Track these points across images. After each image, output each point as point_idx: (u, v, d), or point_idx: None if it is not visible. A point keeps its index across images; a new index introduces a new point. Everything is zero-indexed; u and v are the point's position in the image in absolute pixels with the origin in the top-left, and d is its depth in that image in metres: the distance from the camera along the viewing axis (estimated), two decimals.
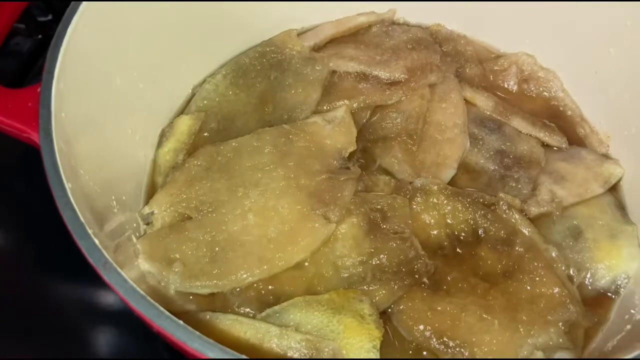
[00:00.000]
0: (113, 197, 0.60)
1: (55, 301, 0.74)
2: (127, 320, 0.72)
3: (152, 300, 0.39)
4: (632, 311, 0.57)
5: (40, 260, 0.78)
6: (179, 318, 0.57)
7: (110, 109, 0.63)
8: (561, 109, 0.76)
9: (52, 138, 0.45)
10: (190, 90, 0.78)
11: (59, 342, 0.72)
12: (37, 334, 0.72)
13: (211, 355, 0.36)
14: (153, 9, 0.68)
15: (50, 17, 1.04)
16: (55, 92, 0.50)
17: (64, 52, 0.53)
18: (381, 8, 0.84)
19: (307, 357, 0.55)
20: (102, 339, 0.72)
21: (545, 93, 0.77)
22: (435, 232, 0.65)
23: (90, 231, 0.42)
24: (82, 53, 0.56)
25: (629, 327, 0.54)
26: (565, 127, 0.75)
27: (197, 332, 0.38)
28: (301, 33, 0.82)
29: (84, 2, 0.57)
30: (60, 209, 0.42)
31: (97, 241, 0.41)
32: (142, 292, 0.39)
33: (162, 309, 0.38)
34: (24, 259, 0.79)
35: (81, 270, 0.43)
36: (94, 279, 0.42)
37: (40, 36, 1.03)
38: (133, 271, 0.58)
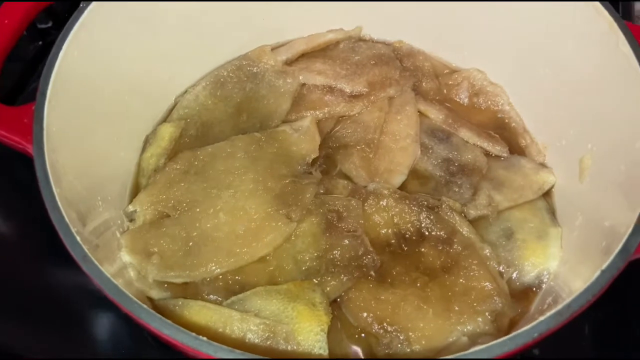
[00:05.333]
0: (99, 198, 0.68)
1: (58, 287, 0.80)
2: None
3: (122, 288, 0.47)
4: (546, 303, 0.65)
5: (43, 247, 0.83)
6: (155, 304, 0.67)
7: (98, 120, 0.71)
8: (506, 120, 0.84)
9: (44, 151, 0.54)
10: (173, 100, 0.86)
11: (60, 327, 0.78)
12: (39, 319, 0.78)
13: (167, 333, 0.45)
14: (140, 29, 0.76)
15: (50, 24, 1.13)
16: (48, 110, 0.58)
17: (56, 74, 0.61)
18: (349, 25, 0.92)
19: (264, 338, 0.64)
20: (103, 324, 0.78)
21: (493, 106, 0.85)
22: (384, 231, 0.74)
23: (73, 230, 0.50)
24: (73, 74, 0.64)
25: (537, 315, 0.62)
26: (510, 138, 0.83)
27: (158, 315, 0.46)
28: (275, 48, 0.90)
29: (74, 27, 0.65)
30: (48, 211, 0.51)
31: (78, 238, 0.50)
32: (114, 281, 0.48)
33: (129, 294, 0.47)
34: (28, 245, 0.85)
35: None
36: None
37: (40, 42, 1.11)
38: (116, 263, 0.67)
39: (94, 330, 0.78)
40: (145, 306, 0.47)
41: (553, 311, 0.46)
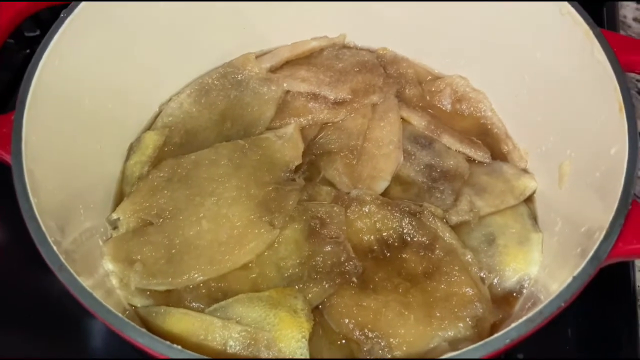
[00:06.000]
0: (81, 206, 0.68)
1: (53, 294, 0.78)
2: None
3: (97, 297, 0.48)
4: (526, 308, 0.66)
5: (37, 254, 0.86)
6: (137, 312, 0.67)
7: (80, 128, 0.71)
8: (489, 126, 0.85)
9: (22, 161, 0.54)
10: (158, 108, 0.86)
11: (56, 334, 0.78)
12: (35, 326, 0.78)
13: (141, 341, 0.45)
14: (122, 38, 0.76)
15: (38, 32, 1.13)
16: (27, 119, 0.58)
17: (36, 83, 0.61)
18: (333, 32, 0.92)
19: (246, 345, 0.64)
20: (97, 328, 0.78)
21: (475, 112, 0.85)
22: (366, 237, 0.74)
23: (50, 239, 0.51)
24: (54, 83, 0.65)
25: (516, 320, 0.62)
26: (492, 144, 0.84)
27: (132, 323, 0.47)
28: (259, 55, 0.90)
29: (55, 37, 0.66)
30: (25, 220, 0.51)
31: (55, 248, 0.50)
32: (90, 290, 0.48)
33: (104, 303, 0.47)
34: (22, 250, 0.85)
35: None
36: None
37: (28, 50, 1.12)
38: (98, 271, 0.67)
39: (88, 334, 0.78)
40: (120, 315, 0.47)
41: (524, 318, 0.46)
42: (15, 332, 0.79)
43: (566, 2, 0.67)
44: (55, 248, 0.50)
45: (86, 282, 0.51)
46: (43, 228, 0.51)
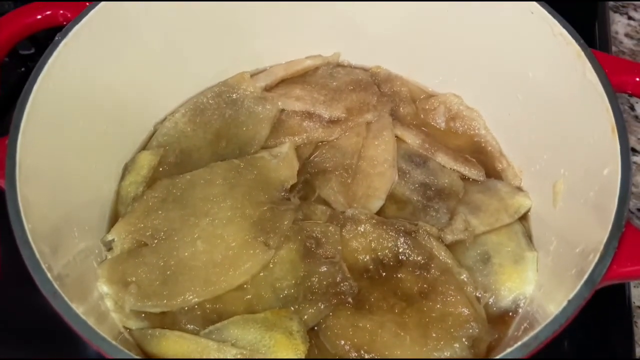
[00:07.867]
0: (75, 228, 0.68)
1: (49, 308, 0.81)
2: None
3: (90, 324, 0.47)
4: (522, 328, 0.66)
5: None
6: (132, 334, 0.67)
7: (75, 150, 0.71)
8: (483, 144, 0.85)
9: (16, 186, 0.54)
10: (152, 128, 0.86)
11: (54, 347, 0.77)
12: (32, 340, 0.78)
13: None
14: (116, 59, 0.76)
15: (33, 50, 1.13)
16: (21, 143, 0.58)
17: (30, 106, 0.61)
18: (328, 51, 0.93)
19: None
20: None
21: (469, 130, 0.86)
22: (362, 257, 0.74)
23: (44, 266, 0.50)
24: (48, 106, 0.64)
25: (512, 342, 0.62)
26: (486, 161, 0.84)
27: (126, 351, 0.46)
28: (254, 74, 0.90)
29: (49, 61, 0.66)
30: (19, 247, 0.51)
31: (49, 274, 0.50)
32: (83, 317, 0.48)
33: (98, 330, 0.47)
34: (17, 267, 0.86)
35: None
36: None
37: (23, 69, 1.12)
38: (92, 294, 0.67)
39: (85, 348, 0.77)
40: (114, 342, 0.47)
41: (520, 343, 0.46)
42: (16, 347, 0.78)
43: (558, 24, 0.67)
44: (49, 275, 0.50)
45: (80, 307, 0.51)
46: (37, 254, 0.51)
